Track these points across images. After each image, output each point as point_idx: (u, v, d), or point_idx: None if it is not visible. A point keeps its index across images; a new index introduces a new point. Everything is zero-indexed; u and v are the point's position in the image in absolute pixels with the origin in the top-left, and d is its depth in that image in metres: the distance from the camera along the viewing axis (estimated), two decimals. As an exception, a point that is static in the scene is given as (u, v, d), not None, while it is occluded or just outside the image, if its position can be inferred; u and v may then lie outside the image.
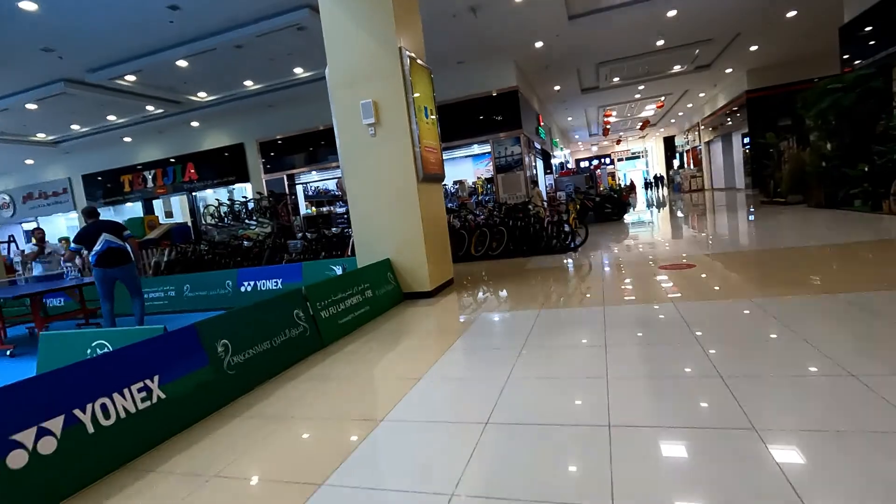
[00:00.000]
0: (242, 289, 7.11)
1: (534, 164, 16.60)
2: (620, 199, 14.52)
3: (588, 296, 4.95)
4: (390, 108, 5.56)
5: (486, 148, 15.12)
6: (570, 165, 35.62)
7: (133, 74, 11.45)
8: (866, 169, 8.29)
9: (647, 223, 12.97)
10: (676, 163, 36.60)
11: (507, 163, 14.07)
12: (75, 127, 15.56)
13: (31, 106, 12.74)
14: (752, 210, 11.99)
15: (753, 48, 15.76)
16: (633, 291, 4.88)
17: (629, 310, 4.19)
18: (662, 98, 23.32)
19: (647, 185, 39.76)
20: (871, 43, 9.88)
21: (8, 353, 5.40)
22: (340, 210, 15.72)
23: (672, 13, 11.57)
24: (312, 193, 17.55)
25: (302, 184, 17.04)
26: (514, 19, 10.57)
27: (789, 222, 8.69)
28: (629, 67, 16.73)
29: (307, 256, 9.89)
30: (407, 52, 5.46)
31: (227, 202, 14.26)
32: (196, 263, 11.09)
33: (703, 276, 5.20)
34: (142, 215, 17.67)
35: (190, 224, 16.90)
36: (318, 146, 15.70)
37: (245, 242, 10.81)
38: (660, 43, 14.04)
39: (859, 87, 8.87)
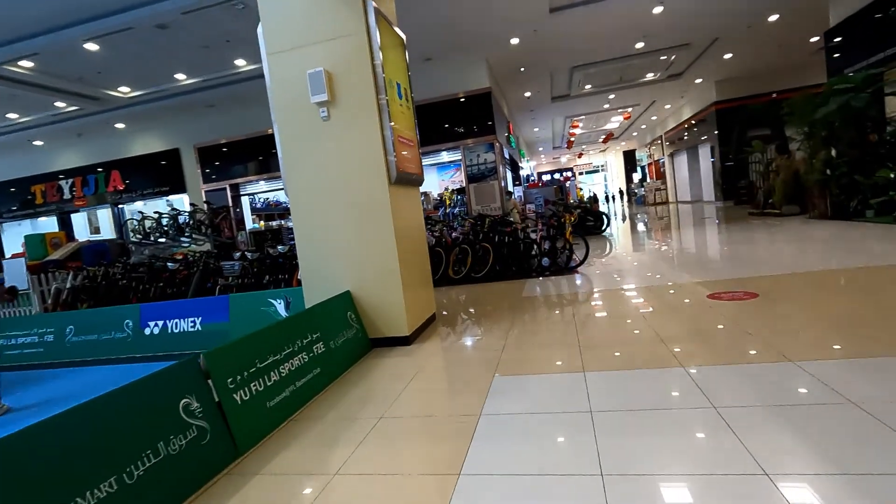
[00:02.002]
0: (147, 331, 5.24)
1: (505, 174, 15.38)
2: (601, 212, 13.45)
3: (649, 347, 3.49)
4: (350, 80, 3.99)
5: (455, 156, 13.77)
6: (532, 178, 35.00)
7: (28, 59, 9.34)
8: (893, 176, 7.39)
9: (639, 236, 11.87)
10: (637, 176, 36.71)
11: (479, 171, 12.73)
12: (-33, 126, 13.02)
13: None
14: (743, 223, 11.11)
15: (727, 56, 15.30)
16: (709, 338, 3.47)
17: (733, 373, 2.76)
18: (630, 109, 22.92)
19: (608, 198, 39.75)
20: (858, 48, 9.28)
21: None
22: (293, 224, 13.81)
23: (658, 10, 10.64)
24: (261, 206, 15.60)
25: (249, 195, 15.08)
26: (491, 8, 9.27)
27: (821, 237, 7.65)
28: (603, 73, 15.94)
29: (246, 281, 8.04)
30: (373, 4, 3.91)
31: (154, 215, 12.12)
32: (107, 290, 8.99)
33: (788, 311, 3.87)
34: (57, 231, 15.15)
35: (111, 241, 14.52)
36: (269, 153, 13.85)
37: (169, 264, 8.81)
38: (639, 45, 13.20)
39: (871, 87, 8.05)
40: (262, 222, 14.99)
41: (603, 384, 2.80)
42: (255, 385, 2.66)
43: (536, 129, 24.90)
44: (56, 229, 15.66)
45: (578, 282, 6.31)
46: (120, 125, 14.18)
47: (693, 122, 21.80)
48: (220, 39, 9.45)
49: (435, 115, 12.41)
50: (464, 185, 14.41)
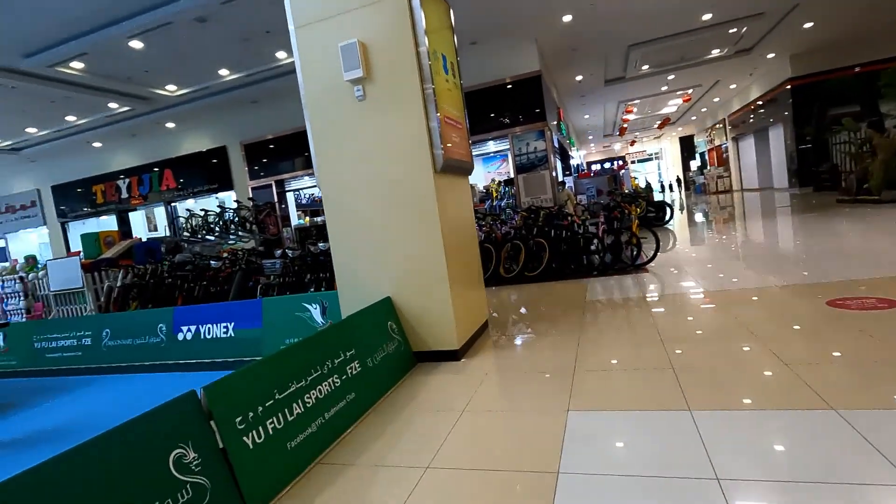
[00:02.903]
0: (180, 336, 4.94)
1: (555, 163, 14.51)
2: (664, 202, 12.35)
3: (773, 374, 2.74)
4: (388, 52, 3.43)
5: (503, 146, 13.07)
6: (582, 168, 33.57)
7: (78, 60, 9.43)
8: None
9: (710, 228, 10.72)
10: (695, 163, 34.44)
11: (529, 161, 11.96)
12: (31, 130, 13.59)
13: (-35, 103, 10.76)
14: (835, 212, 9.74)
15: (808, 25, 13.64)
16: (856, 363, 2.68)
17: None
18: (690, 91, 21.25)
19: (664, 187, 37.56)
20: None
21: None
22: (335, 220, 13.57)
23: (732, -29, 9.45)
24: (306, 202, 15.50)
25: (293, 191, 15.00)
26: (543, -21, 8.48)
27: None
28: (663, 52, 14.68)
29: (287, 280, 7.73)
30: (413, -38, 3.32)
31: (200, 213, 12.16)
32: (154, 288, 8.96)
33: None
34: (117, 230, 15.69)
35: (166, 239, 14.84)
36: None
37: (212, 262, 8.65)
38: (706, 17, 11.93)
39: None
40: (307, 218, 14.88)
41: (722, 431, 2.10)
42: (272, 422, 2.15)
43: (587, 116, 23.66)
44: (115, 228, 16.22)
45: (651, 282, 5.51)
46: (170, 124, 14.40)
47: (762, 102, 19.94)
48: (260, 31, 9.18)
49: (481, 103, 11.73)
50: (511, 175, 13.69)
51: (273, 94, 12.71)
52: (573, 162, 23.18)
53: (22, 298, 10.36)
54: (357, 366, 2.90)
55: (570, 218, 6.90)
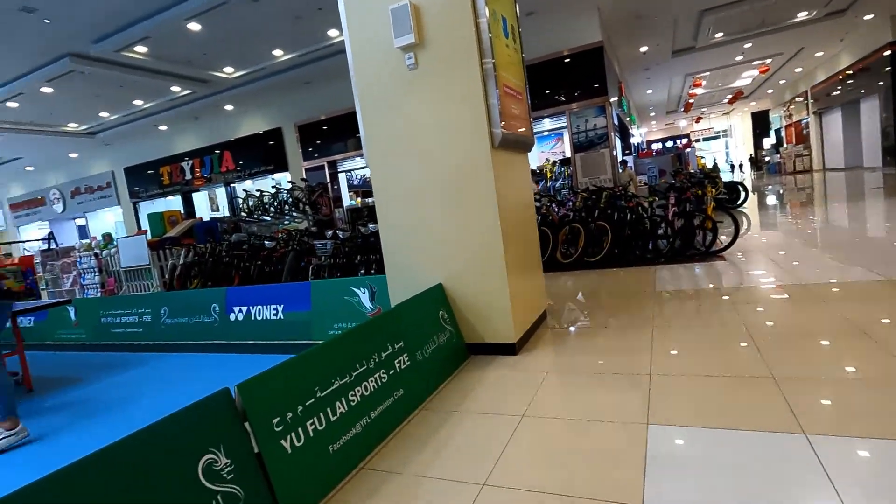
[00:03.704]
0: (232, 316, 4.94)
1: (615, 141, 13.68)
2: (738, 183, 11.34)
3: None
4: (443, 14, 3.09)
5: (559, 123, 12.44)
6: (643, 147, 31.79)
7: (142, 45, 9.71)
8: None
9: (794, 212, 9.71)
10: (769, 141, 31.73)
11: (587, 139, 11.30)
12: (104, 114, 14.33)
13: (46, 89, 11.43)
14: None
15: (920, -23, 11.92)
16: None
17: None
18: (769, 60, 19.38)
19: (733, 167, 34.94)
20: None
21: None
22: (386, 201, 13.50)
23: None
24: (358, 182, 15.53)
25: (346, 171, 15.05)
26: (610, -63, 7.75)
27: None
28: (741, 16, 13.35)
29: (338, 261, 7.68)
30: (471, -90, 2.94)
31: (256, 193, 12.42)
32: (213, 267, 9.22)
33: None
34: (182, 210, 16.45)
35: (227, 219, 15.38)
36: (362, 129, 13.52)
37: (266, 242, 8.76)
38: (796, -26, 10.65)
39: None
40: (358, 199, 14.92)
41: (854, 464, 1.69)
42: (312, 423, 1.95)
43: (650, 92, 22.21)
44: (181, 208, 17.01)
45: (730, 271, 4.94)
46: (229, 107, 14.74)
47: (853, 71, 17.87)
48: (312, 7, 9.04)
49: (536, 78, 11.11)
50: (567, 155, 13.03)
51: (325, 74, 12.66)
52: (633, 140, 21.93)
53: (97, 274, 11.00)
54: (406, 359, 2.67)
55: (636, 199, 6.35)
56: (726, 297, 4.00)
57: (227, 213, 16.81)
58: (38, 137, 15.30)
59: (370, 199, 14.35)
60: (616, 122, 14.09)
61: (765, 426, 2.00)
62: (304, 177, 13.99)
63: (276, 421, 1.82)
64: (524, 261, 3.62)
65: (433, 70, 3.19)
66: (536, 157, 14.16)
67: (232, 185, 16.54)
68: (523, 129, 3.60)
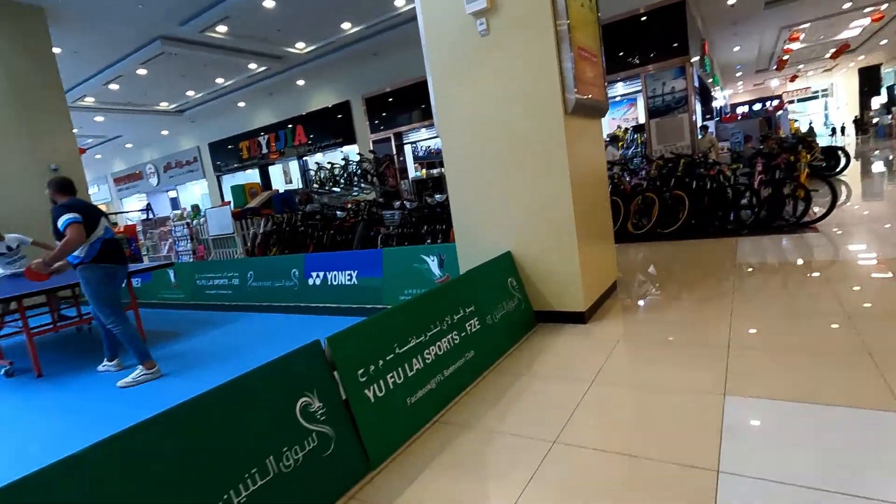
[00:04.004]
0: (310, 281, 5.28)
1: (695, 105, 12.74)
2: (838, 147, 10.25)
3: None
4: (515, -23, 3.02)
5: (633, 88, 11.75)
6: (726, 111, 29.29)
7: (223, 24, 10.24)
8: None
9: None
10: (879, 100, 28.03)
11: (664, 103, 10.63)
12: (190, 93, 15.36)
13: (140, 71, 12.40)
14: None
15: None
16: None
17: None
18: (884, 6, 16.96)
19: (834, 131, 31.35)
20: None
21: (4, 371, 4.18)
22: (450, 172, 13.56)
23: None
24: (423, 154, 15.68)
25: (411, 143, 15.22)
26: None
27: None
28: (852, -44, 11.77)
29: (405, 231, 7.89)
30: None
31: (328, 165, 12.91)
32: (290, 235, 9.80)
33: None
34: (259, 182, 17.46)
35: (300, 191, 16.17)
36: (429, 100, 13.55)
37: (338, 213, 9.16)
38: None
39: None
40: (423, 170, 15.09)
41: (956, 446, 1.58)
42: (392, 377, 2.10)
43: (737, 49, 20.27)
44: (258, 180, 18.05)
45: (823, 244, 4.55)
46: (300, 82, 15.26)
47: None
48: (380, -23, 9.07)
49: (609, 40, 10.49)
50: (640, 121, 12.37)
51: (392, 45, 12.72)
52: (716, 104, 20.28)
53: (188, 241, 12.04)
54: (476, 323, 2.76)
55: (717, 167, 5.95)
56: (817, 273, 3.71)
57: (299, 185, 17.66)
58: (135, 116, 16.73)
59: (435, 171, 14.46)
60: (697, 83, 13.09)
61: (856, 402, 1.89)
62: (372, 149, 14.31)
63: (360, 372, 1.98)
64: (595, 230, 3.56)
65: (505, 35, 3.15)
66: (607, 125, 13.54)
67: (304, 158, 17.27)
68: (597, 94, 3.48)
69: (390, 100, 14.35)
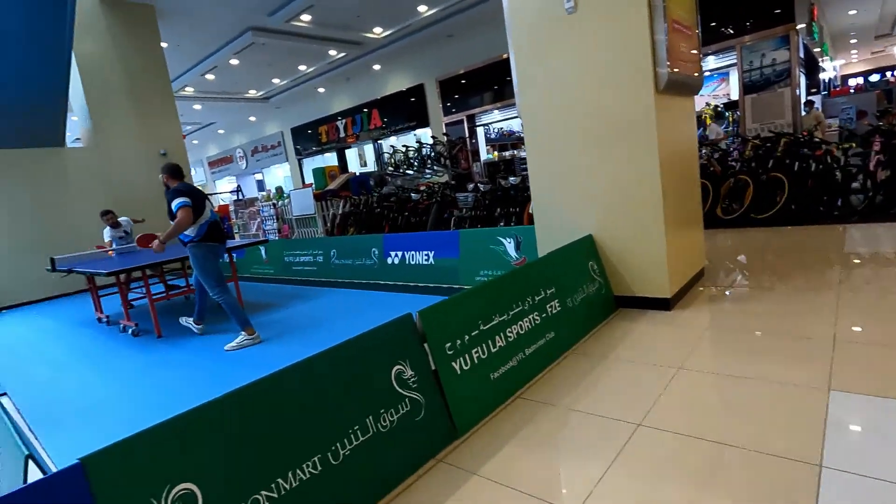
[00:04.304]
0: (389, 260, 5.51)
1: (799, 78, 11.54)
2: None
3: None
4: (607, -50, 2.91)
5: (725, 61, 10.87)
6: (836, 84, 26.16)
7: (307, 13, 10.70)
8: None
9: None
10: None
11: (762, 77, 9.75)
12: (276, 80, 16.25)
13: (233, 61, 13.29)
14: None
15: None
16: None
17: None
18: None
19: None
20: None
21: (131, 331, 4.78)
22: (525, 154, 13.39)
23: None
24: (495, 136, 15.57)
25: (483, 125, 15.15)
26: None
27: None
28: None
29: (478, 213, 7.94)
30: None
31: (403, 148, 13.19)
32: (367, 217, 10.21)
33: None
34: (337, 165, 18.23)
35: (374, 173, 16.69)
36: (502, 81, 13.43)
37: (413, 195, 9.38)
38: None
39: None
40: (495, 153, 14.99)
41: None
42: (476, 352, 2.19)
43: (853, 13, 17.97)
44: (335, 163, 18.84)
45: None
46: (376, 66, 15.61)
47: None
48: (457, -42, 9.01)
49: (703, 8, 9.75)
50: (732, 97, 11.43)
51: (466, 26, 12.65)
52: (823, 76, 18.19)
53: (274, 221, 12.89)
54: (557, 305, 2.77)
55: (824, 147, 5.41)
56: (946, 264, 3.31)
57: (373, 168, 18.22)
58: (227, 104, 18.01)
59: (507, 153, 14.33)
60: (802, 54, 11.84)
61: None
62: (445, 131, 14.42)
63: (448, 345, 2.08)
64: (683, 215, 3.41)
65: (593, 11, 3.05)
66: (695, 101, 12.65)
67: (378, 141, 17.75)
68: (691, 70, 3.29)
69: (463, 82, 14.33)
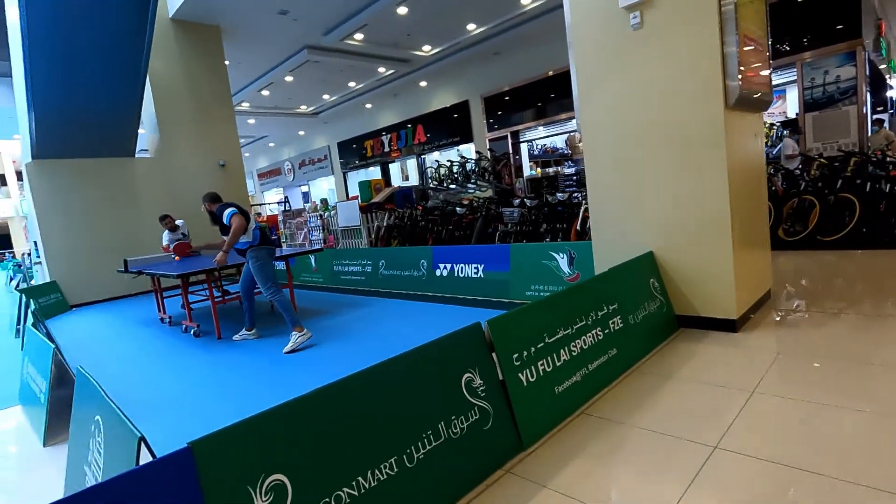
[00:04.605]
0: (437, 272, 5.56)
1: (866, 95, 10.99)
2: None
3: None
4: (677, -33, 2.90)
5: (784, 78, 10.50)
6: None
7: (360, 32, 11.10)
8: None
9: None
10: None
11: (825, 95, 9.37)
12: (326, 96, 16.86)
13: (288, 78, 13.90)
14: None
15: None
16: None
17: None
18: None
19: None
20: None
21: (193, 331, 5.00)
22: (569, 171, 13.31)
23: None
24: (538, 152, 15.56)
25: (527, 141, 15.17)
26: None
27: None
28: None
29: (524, 229, 7.92)
30: None
31: (447, 163, 13.36)
32: (411, 229, 10.35)
33: None
34: (381, 178, 18.64)
35: (416, 187, 16.93)
36: (546, 98, 13.50)
37: (458, 209, 9.46)
38: None
39: None
40: (538, 169, 14.95)
41: None
42: (542, 364, 2.18)
43: (923, 27, 17.02)
44: (379, 177, 19.25)
45: None
46: (423, 83, 15.95)
47: None
48: (509, -24, 9.17)
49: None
50: (792, 115, 11.00)
51: (513, 44, 12.78)
52: (891, 94, 17.23)
53: (320, 231, 13.25)
54: (619, 321, 2.73)
55: (898, 167, 5.12)
56: None
57: (415, 182, 18.51)
58: (279, 119, 18.80)
59: (550, 169, 14.27)
60: (869, 71, 11.29)
61: None
62: (490, 147, 14.52)
63: (515, 356, 2.08)
64: (751, 234, 3.29)
65: (660, 27, 3.04)
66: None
67: (422, 156, 18.04)
68: (762, 85, 3.21)
69: (506, 98, 14.45)
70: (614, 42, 3.25)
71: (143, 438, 1.29)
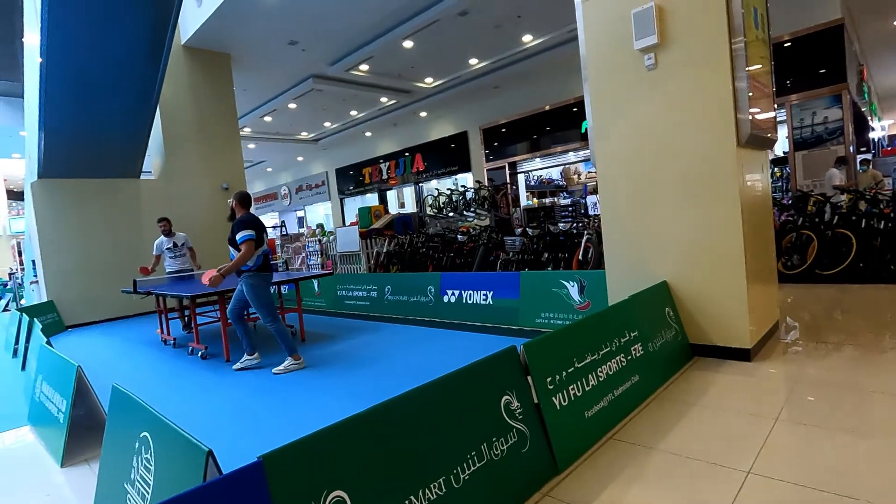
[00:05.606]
0: (445, 298, 5.60)
1: (852, 136, 11.45)
2: None
3: None
4: (689, 12, 3.10)
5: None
6: (884, 144, 25.65)
7: (366, 63, 11.41)
8: None
9: None
10: None
11: (813, 135, 9.76)
12: (327, 124, 17.14)
13: (291, 105, 14.15)
14: None
15: None
16: None
17: None
18: None
19: None
20: None
21: (200, 354, 4.95)
22: (565, 202, 13.58)
23: None
24: (535, 183, 15.86)
25: (524, 172, 15.49)
26: None
27: None
28: None
29: (525, 257, 8.02)
30: None
31: (447, 191, 13.55)
32: (411, 256, 10.41)
33: None
34: (381, 205, 18.79)
35: (413, 214, 17.08)
36: (543, 131, 13.90)
37: (459, 236, 9.57)
38: None
39: None
40: (535, 199, 15.21)
41: None
42: (573, 388, 2.22)
43: (901, 74, 17.89)
44: (376, 203, 19.41)
45: None
46: (423, 113, 16.31)
47: None
48: (513, 16, 9.55)
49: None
50: (778, 153, 11.40)
51: (512, 79, 13.20)
52: (872, 135, 17.95)
53: (318, 256, 13.23)
54: (640, 348, 2.79)
55: (891, 205, 5.34)
56: None
57: (412, 209, 18.67)
58: (279, 144, 19.01)
59: (546, 200, 14.53)
60: (852, 113, 11.80)
61: None
62: (489, 177, 14.78)
63: (548, 380, 2.13)
64: (761, 266, 3.41)
65: (674, 68, 3.22)
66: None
67: (420, 184, 18.28)
68: (769, 125, 3.38)
69: (503, 130, 14.82)
70: (630, 81, 3.42)
71: (210, 452, 1.31)
